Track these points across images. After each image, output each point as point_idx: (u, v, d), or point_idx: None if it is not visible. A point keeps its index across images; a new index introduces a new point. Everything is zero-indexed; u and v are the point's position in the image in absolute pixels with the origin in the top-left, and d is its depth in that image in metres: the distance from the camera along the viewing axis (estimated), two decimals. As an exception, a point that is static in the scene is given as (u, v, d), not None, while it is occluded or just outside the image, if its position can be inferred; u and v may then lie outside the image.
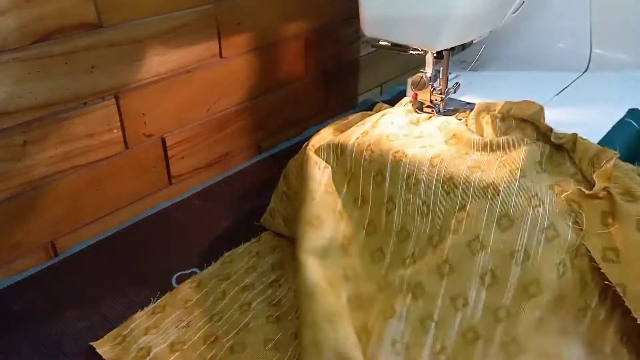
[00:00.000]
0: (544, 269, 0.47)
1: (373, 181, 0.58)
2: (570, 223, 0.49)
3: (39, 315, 0.55)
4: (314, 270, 0.51)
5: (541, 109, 0.59)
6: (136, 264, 0.61)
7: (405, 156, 0.57)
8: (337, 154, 0.61)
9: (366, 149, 0.59)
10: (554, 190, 0.51)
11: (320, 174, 0.59)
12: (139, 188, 0.71)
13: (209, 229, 0.63)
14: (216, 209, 0.70)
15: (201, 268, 0.59)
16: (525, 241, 0.49)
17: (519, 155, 0.54)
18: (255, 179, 0.65)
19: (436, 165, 0.55)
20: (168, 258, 0.62)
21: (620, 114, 0.73)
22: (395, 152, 0.58)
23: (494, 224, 0.50)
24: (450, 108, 0.72)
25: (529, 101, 0.60)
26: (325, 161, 0.61)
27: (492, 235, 0.49)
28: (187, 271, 0.60)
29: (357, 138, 0.61)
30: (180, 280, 0.59)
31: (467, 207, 0.52)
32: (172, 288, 0.58)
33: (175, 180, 0.75)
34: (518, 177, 0.51)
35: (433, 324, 0.49)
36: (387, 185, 0.57)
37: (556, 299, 0.48)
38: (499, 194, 0.51)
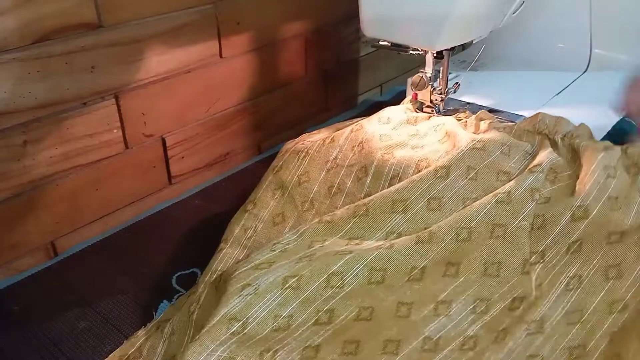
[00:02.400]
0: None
1: (354, 175, 0.60)
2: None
3: (39, 315, 0.55)
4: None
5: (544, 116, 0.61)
6: (136, 264, 0.61)
7: (393, 157, 0.59)
8: (325, 142, 0.62)
9: (357, 145, 0.61)
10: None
11: (297, 164, 0.62)
12: (139, 188, 0.71)
13: (209, 229, 0.63)
14: (216, 209, 0.70)
15: (201, 268, 0.59)
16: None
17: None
18: (255, 179, 0.65)
19: (422, 169, 0.57)
20: (168, 258, 0.62)
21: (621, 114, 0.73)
22: (384, 152, 0.59)
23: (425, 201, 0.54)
24: (450, 108, 0.72)
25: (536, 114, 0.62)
26: (309, 148, 0.62)
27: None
28: (187, 271, 0.60)
29: (351, 132, 0.63)
30: (181, 280, 0.59)
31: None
32: (171, 289, 0.58)
33: (175, 180, 0.75)
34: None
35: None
36: (369, 181, 0.59)
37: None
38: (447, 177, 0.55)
